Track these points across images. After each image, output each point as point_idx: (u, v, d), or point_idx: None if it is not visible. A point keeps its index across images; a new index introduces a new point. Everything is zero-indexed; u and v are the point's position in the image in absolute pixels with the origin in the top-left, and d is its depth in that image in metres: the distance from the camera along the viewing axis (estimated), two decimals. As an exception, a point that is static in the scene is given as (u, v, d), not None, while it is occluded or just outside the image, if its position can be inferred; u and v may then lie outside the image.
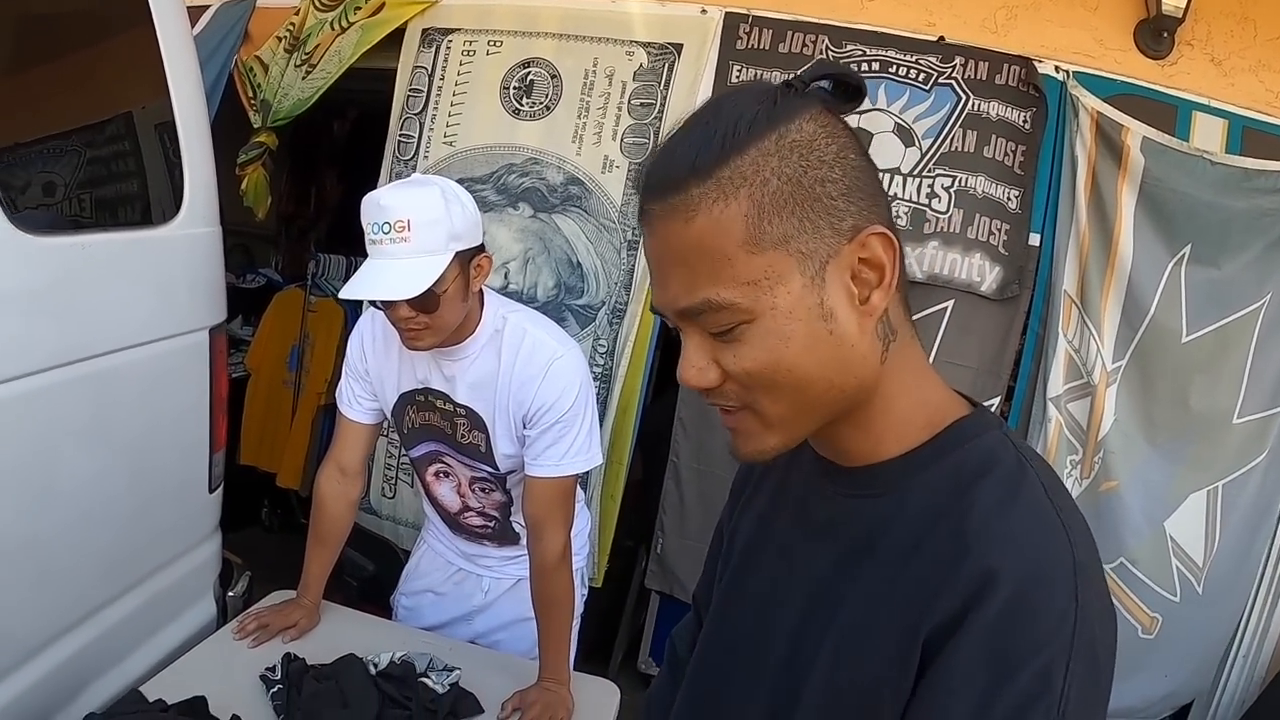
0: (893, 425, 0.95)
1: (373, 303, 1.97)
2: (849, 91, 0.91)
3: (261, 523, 5.03)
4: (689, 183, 0.83)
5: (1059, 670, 0.79)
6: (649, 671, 3.99)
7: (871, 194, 0.89)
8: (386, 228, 1.83)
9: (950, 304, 2.95)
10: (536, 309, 2.43)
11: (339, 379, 2.32)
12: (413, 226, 1.82)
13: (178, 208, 2.23)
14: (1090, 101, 2.81)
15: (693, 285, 0.85)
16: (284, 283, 5.21)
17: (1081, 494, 2.97)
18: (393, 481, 3.48)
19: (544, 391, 2.02)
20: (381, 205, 1.84)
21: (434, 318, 1.90)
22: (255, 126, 3.52)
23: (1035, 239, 2.94)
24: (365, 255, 1.89)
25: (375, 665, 2.07)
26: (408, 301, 1.85)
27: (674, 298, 0.87)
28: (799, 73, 0.89)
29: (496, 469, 2.16)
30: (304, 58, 3.40)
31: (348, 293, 1.87)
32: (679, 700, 1.21)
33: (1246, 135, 2.88)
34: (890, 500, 0.94)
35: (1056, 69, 2.88)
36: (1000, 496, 0.88)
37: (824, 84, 0.90)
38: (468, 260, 1.93)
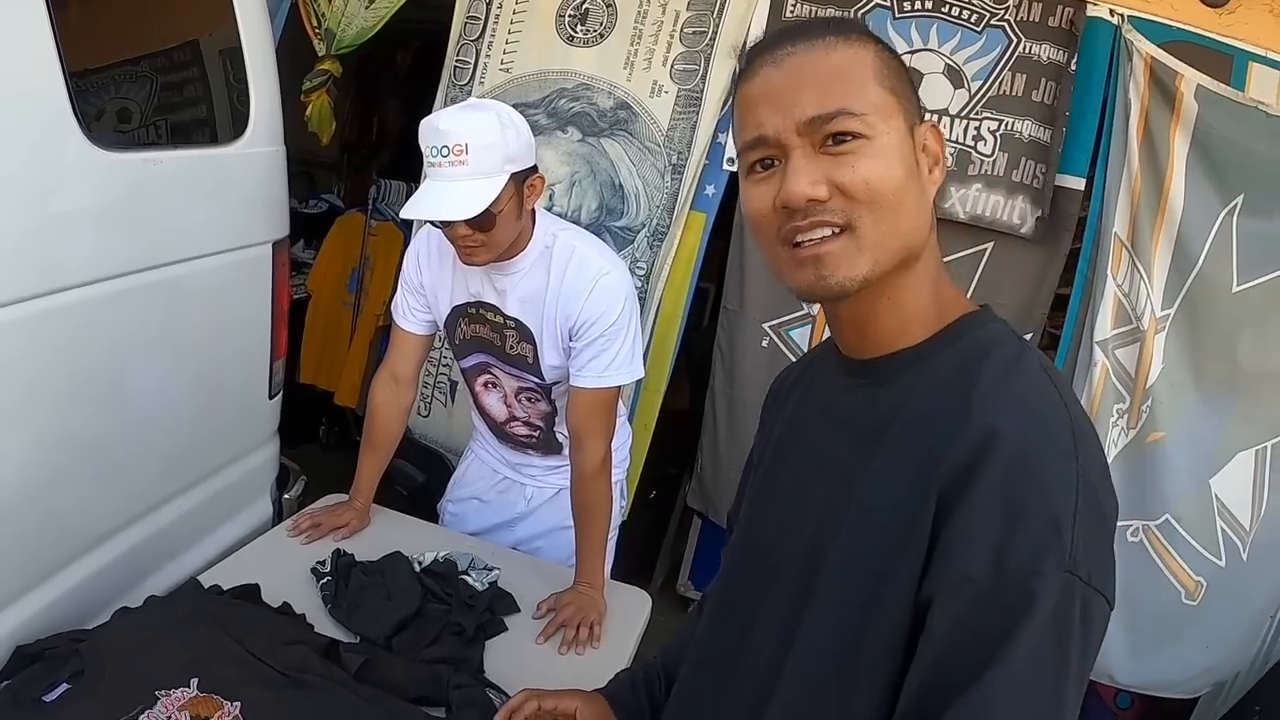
0: (915, 306, 1.04)
1: (431, 221, 2.07)
2: None
3: (319, 440, 5.17)
4: (829, 35, 0.99)
5: (1067, 521, 0.86)
6: (688, 594, 4.12)
7: None
8: (445, 151, 1.91)
9: (990, 246, 2.96)
10: (579, 229, 2.52)
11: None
12: (470, 150, 1.90)
13: (243, 128, 2.32)
14: (1145, 46, 2.78)
15: (827, 98, 0.95)
16: (345, 208, 5.29)
17: (1128, 445, 2.96)
18: (428, 400, 3.59)
19: (590, 306, 2.11)
20: (440, 129, 1.92)
21: (489, 235, 1.99)
22: (319, 55, 3.59)
23: (1077, 182, 2.93)
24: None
25: (419, 563, 2.19)
26: (465, 221, 1.94)
27: (803, 109, 0.95)
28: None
29: (542, 379, 2.26)
30: None
31: (408, 212, 1.97)
32: (712, 601, 1.32)
33: None
34: (903, 385, 1.03)
35: (1111, 12, 2.84)
36: (1001, 371, 0.97)
37: None
38: (521, 181, 2.02)
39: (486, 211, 1.93)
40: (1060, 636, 0.84)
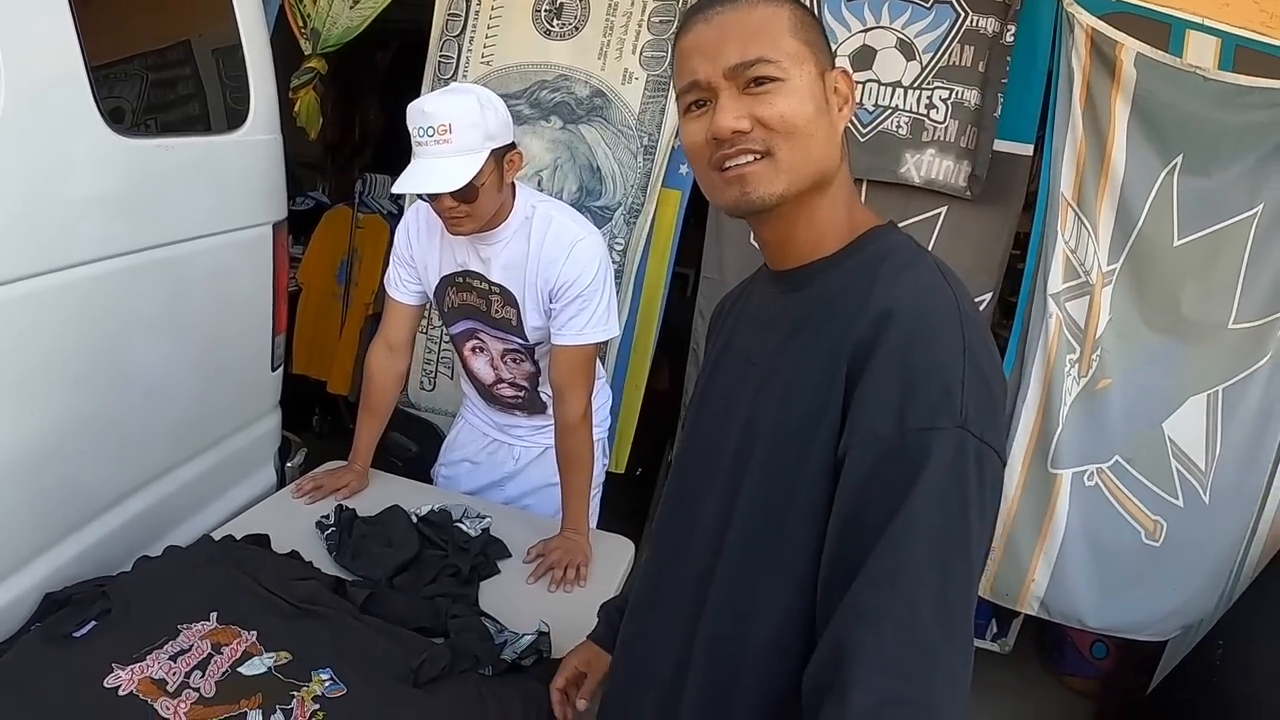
0: (830, 223, 1.21)
1: (420, 196, 2.23)
2: None
3: (313, 429, 5.27)
4: None
5: (956, 386, 1.01)
6: (674, 561, 4.24)
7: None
8: (430, 131, 2.08)
9: (944, 210, 3.10)
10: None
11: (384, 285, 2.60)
12: (454, 129, 2.08)
13: (244, 117, 2.47)
14: (1085, 18, 2.89)
15: (748, 47, 1.12)
16: (332, 204, 5.41)
17: (1080, 393, 3.10)
18: (432, 375, 3.74)
19: (567, 269, 2.27)
20: (425, 111, 2.09)
21: (473, 207, 2.16)
22: (306, 54, 3.70)
23: (1024, 148, 3.07)
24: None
25: (416, 515, 2.35)
26: (450, 194, 2.11)
27: (728, 58, 1.12)
28: None
29: (526, 340, 2.42)
30: None
31: (400, 187, 2.13)
32: (660, 509, 1.46)
33: (1239, 54, 2.94)
34: (817, 287, 1.20)
35: None
36: (898, 268, 1.14)
37: None
38: (501, 156, 2.19)
39: (470, 184, 2.10)
40: (959, 481, 0.99)
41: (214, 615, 1.77)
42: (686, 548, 1.29)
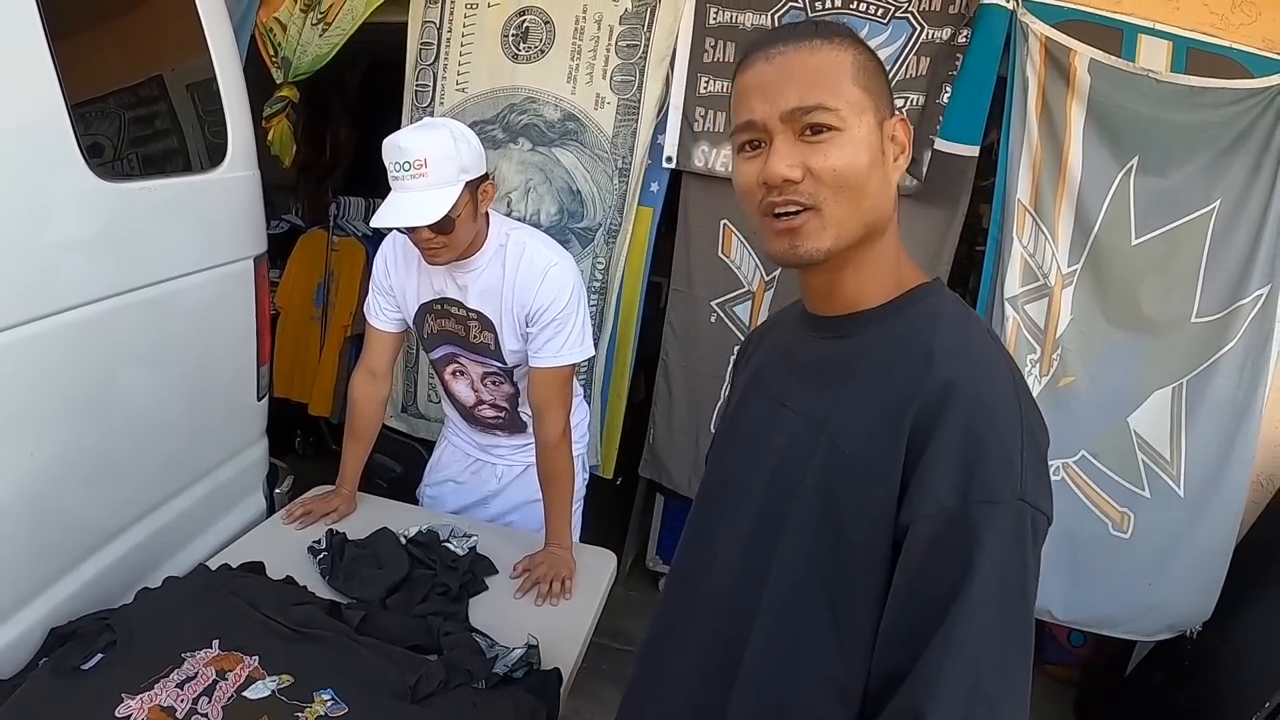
0: (878, 275, 1.21)
1: (399, 228, 2.30)
2: None
3: (295, 451, 5.32)
4: (815, 39, 1.13)
5: (1016, 458, 1.04)
6: (657, 569, 4.33)
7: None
8: (407, 166, 2.16)
9: None
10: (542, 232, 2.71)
11: (363, 311, 2.66)
12: (429, 163, 2.15)
13: (223, 155, 2.53)
14: (1039, 27, 2.95)
15: (808, 93, 1.10)
16: (306, 226, 5.41)
17: (1042, 390, 3.14)
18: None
19: (542, 294, 2.34)
20: (401, 147, 2.16)
21: (450, 238, 2.23)
22: (278, 82, 3.75)
23: (970, 150, 3.08)
24: (381, 196, 2.22)
25: (405, 536, 2.42)
26: (428, 226, 2.18)
27: (788, 101, 1.10)
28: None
29: (504, 363, 2.49)
30: (319, 16, 3.62)
31: (378, 221, 2.19)
32: (681, 541, 1.47)
33: (1191, 56, 2.97)
34: (866, 339, 1.20)
35: None
36: (954, 333, 1.15)
37: None
38: (475, 187, 2.26)
39: (446, 217, 2.17)
40: (1019, 551, 1.03)
41: (216, 642, 1.83)
42: (706, 580, 1.32)
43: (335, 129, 6.49)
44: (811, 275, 1.25)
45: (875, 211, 1.16)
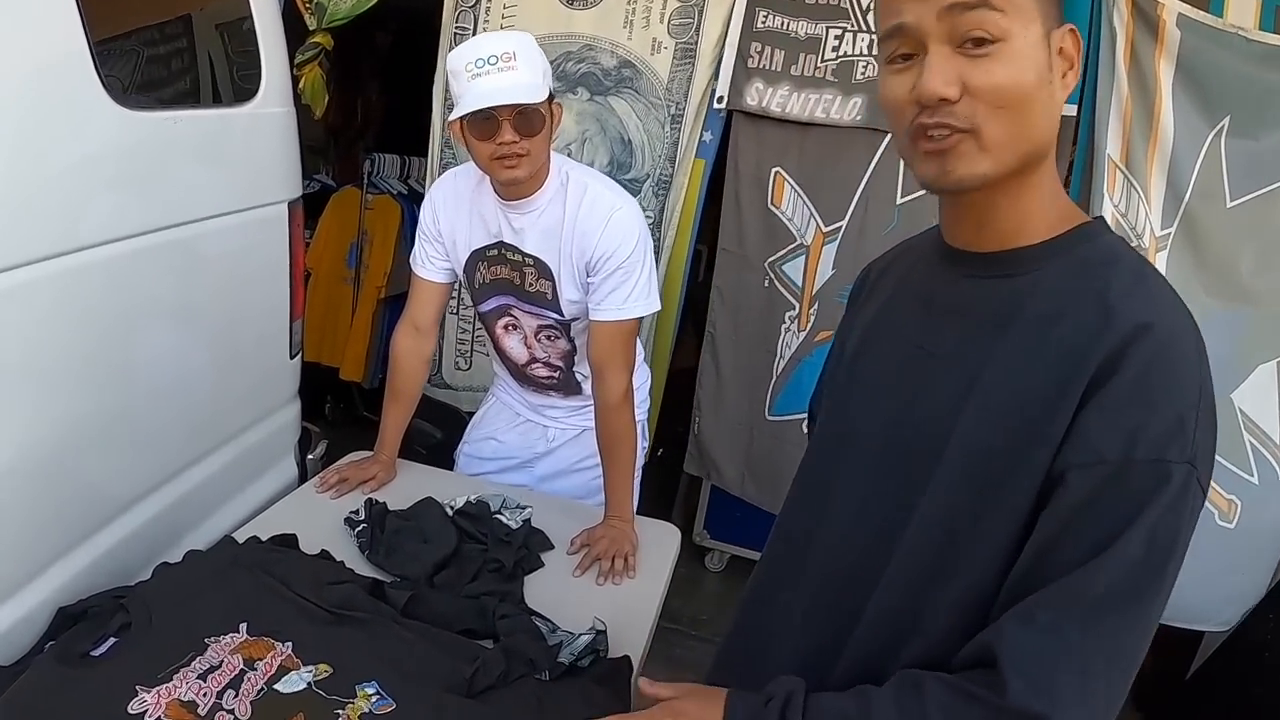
0: (1037, 206, 1.08)
1: (474, 134, 2.06)
2: None
3: (325, 417, 5.16)
4: None
5: (1190, 418, 0.94)
6: (705, 544, 4.17)
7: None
8: (494, 59, 1.96)
9: None
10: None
11: (397, 272, 2.45)
12: (518, 57, 1.97)
13: (256, 89, 2.34)
14: None
15: None
16: (338, 187, 5.28)
17: None
18: (467, 355, 3.65)
19: (605, 240, 2.15)
20: (482, 44, 1.99)
21: (534, 142, 2.04)
22: (311, 29, 3.59)
23: (1069, 110, 2.92)
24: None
25: (452, 507, 2.23)
26: (514, 124, 1.99)
27: None
28: None
29: (562, 315, 2.30)
30: None
31: (464, 109, 1.98)
32: (791, 489, 1.39)
33: None
34: (1025, 280, 1.07)
35: None
36: (1132, 279, 1.03)
37: None
38: (549, 103, 2.08)
39: (538, 111, 2.00)
40: (1174, 522, 0.94)
41: (243, 626, 1.65)
42: (818, 537, 1.25)
43: (366, 92, 6.35)
44: (961, 206, 1.12)
45: (1039, 136, 1.04)
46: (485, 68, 1.96)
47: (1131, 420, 0.94)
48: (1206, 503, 2.59)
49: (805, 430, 1.66)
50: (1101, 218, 1.14)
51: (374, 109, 6.44)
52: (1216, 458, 2.61)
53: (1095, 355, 0.97)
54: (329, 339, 4.91)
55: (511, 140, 2.01)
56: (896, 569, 1.12)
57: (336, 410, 5.22)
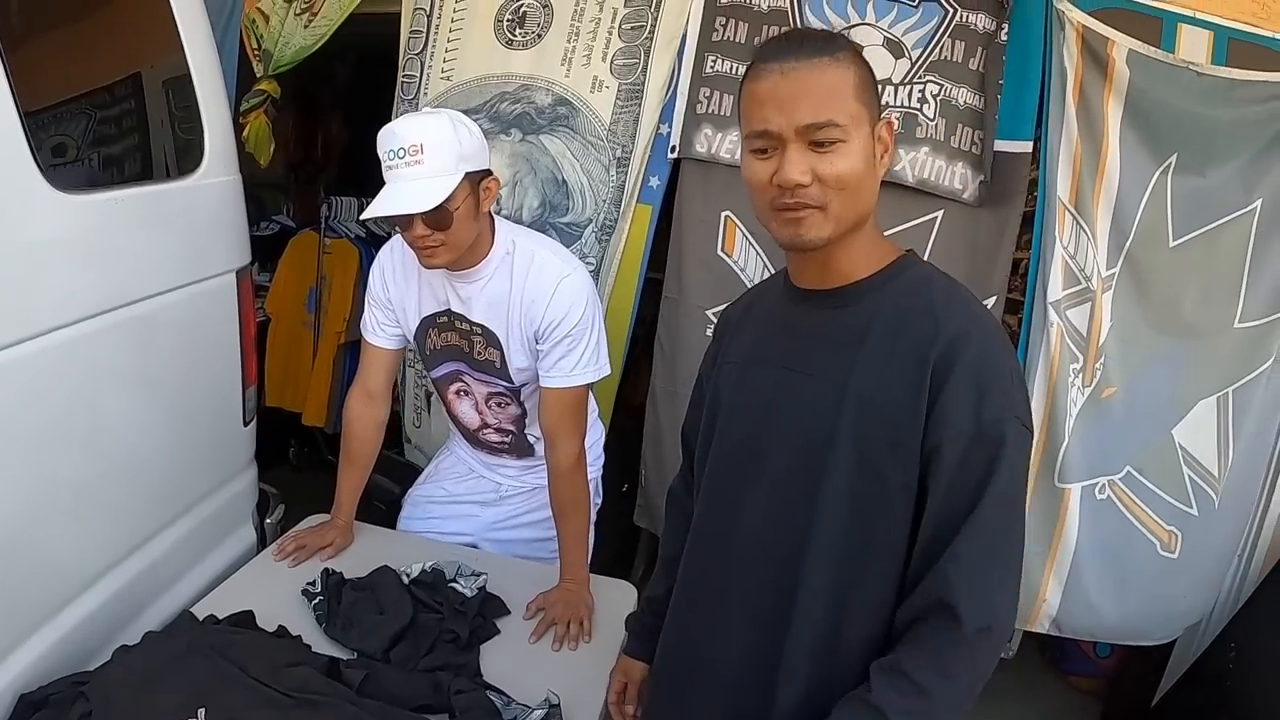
0: (862, 253, 1.42)
1: (390, 230, 2.09)
2: None
3: (290, 462, 5.16)
4: (824, 55, 1.30)
5: (1011, 387, 1.33)
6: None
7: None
8: (401, 153, 1.97)
9: (940, 214, 2.96)
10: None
11: (357, 317, 2.45)
12: (425, 149, 1.97)
13: (200, 159, 2.33)
14: (1076, 16, 2.79)
15: (819, 109, 1.28)
16: (297, 228, 5.24)
17: (1085, 402, 2.98)
18: (420, 411, 3.58)
19: (553, 308, 2.16)
20: (395, 133, 1.98)
21: (448, 235, 2.04)
22: (258, 76, 3.57)
23: (1023, 146, 2.94)
24: (376, 194, 2.02)
25: (408, 575, 2.23)
26: (423, 219, 1.99)
27: (801, 117, 1.28)
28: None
29: (511, 382, 2.31)
30: (304, 6, 3.44)
31: (370, 213, 2.02)
32: (698, 506, 1.63)
33: (1232, 47, 2.86)
34: (867, 304, 1.41)
35: None
36: (947, 295, 1.40)
37: None
38: (476, 182, 2.07)
39: (444, 209, 1.98)
40: (1020, 458, 1.31)
41: (202, 712, 1.65)
42: (736, 537, 1.50)
43: (327, 125, 6.32)
44: (809, 257, 1.44)
45: (865, 206, 1.38)
46: (395, 161, 1.98)
47: (973, 400, 1.28)
48: (1148, 533, 2.79)
49: (680, 453, 1.86)
50: (913, 250, 1.48)
51: (335, 143, 6.39)
52: (1156, 491, 2.77)
53: (932, 355, 1.31)
54: (291, 384, 4.88)
55: (424, 234, 2.03)
56: (816, 552, 1.39)
57: (301, 455, 5.19)
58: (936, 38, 2.91)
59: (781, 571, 1.42)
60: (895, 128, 1.41)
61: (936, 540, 1.30)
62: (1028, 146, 2.95)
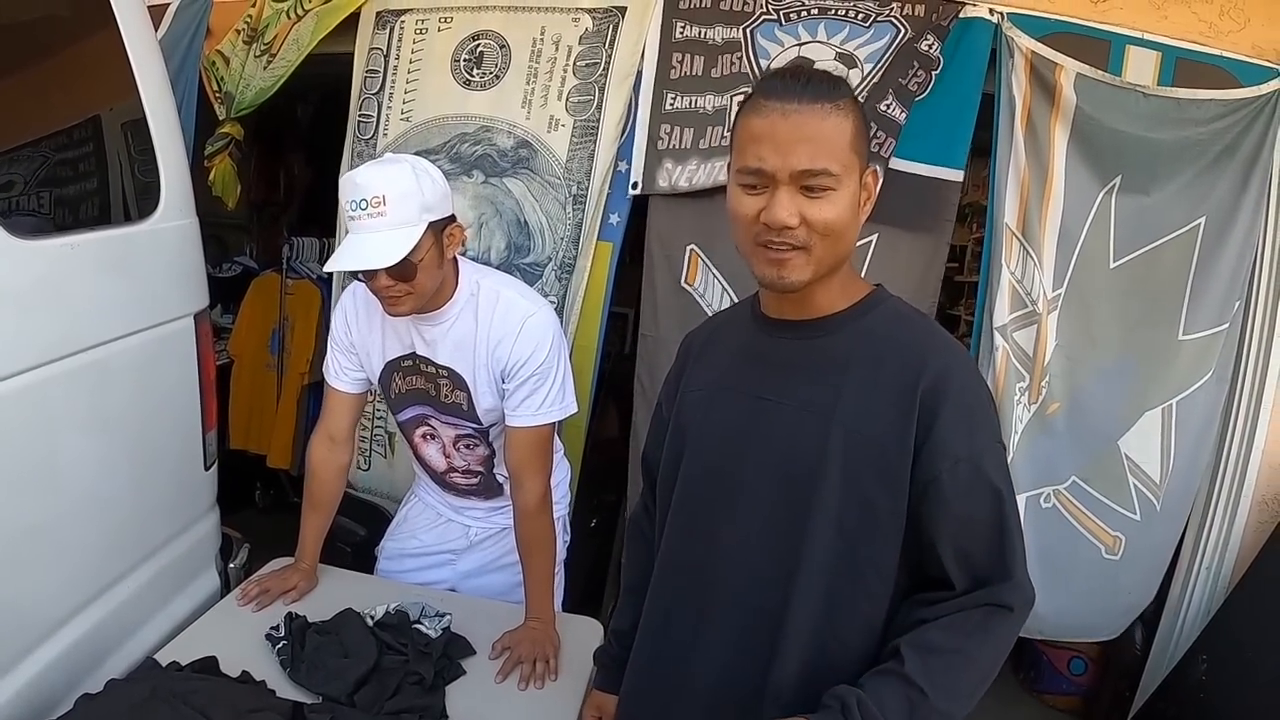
0: (840, 288, 1.46)
1: (355, 275, 2.09)
2: None
3: (255, 504, 5.12)
4: (827, 102, 1.32)
5: (990, 414, 1.44)
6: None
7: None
8: (364, 204, 1.96)
9: (875, 237, 3.00)
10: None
11: (321, 358, 2.44)
12: (388, 201, 1.96)
13: (156, 203, 2.32)
14: (1024, 42, 2.86)
15: (816, 157, 1.30)
16: (260, 269, 5.24)
17: (1031, 419, 3.06)
18: (366, 454, 3.54)
19: (519, 347, 2.16)
20: (357, 184, 1.97)
21: (413, 284, 2.04)
22: (220, 119, 3.58)
23: (955, 174, 2.97)
24: (336, 236, 2.02)
25: (372, 617, 2.22)
26: (387, 271, 1.98)
27: (797, 162, 1.30)
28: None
29: (479, 424, 2.30)
30: (264, 48, 3.46)
31: (332, 266, 2.01)
32: (667, 531, 1.62)
33: (1180, 66, 2.92)
34: (844, 336, 1.45)
35: (991, 11, 2.91)
36: (923, 328, 1.47)
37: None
38: (440, 230, 2.07)
39: (407, 260, 1.97)
40: (1008, 473, 1.41)
41: (162, 762, 1.62)
42: (716, 568, 1.52)
43: (289, 165, 6.29)
44: (789, 292, 1.44)
45: (847, 249, 1.43)
46: (358, 212, 1.97)
47: (965, 430, 1.36)
48: (1093, 539, 3.00)
49: (641, 478, 1.88)
50: (882, 285, 1.54)
51: (297, 182, 6.37)
52: (1102, 499, 2.99)
53: (920, 386, 1.36)
54: (255, 426, 4.85)
55: (388, 284, 2.03)
56: (805, 579, 1.42)
57: (266, 497, 5.15)
58: (887, 54, 2.96)
59: (766, 599, 1.46)
60: (879, 178, 1.44)
61: (966, 560, 1.38)
62: (959, 175, 2.98)
